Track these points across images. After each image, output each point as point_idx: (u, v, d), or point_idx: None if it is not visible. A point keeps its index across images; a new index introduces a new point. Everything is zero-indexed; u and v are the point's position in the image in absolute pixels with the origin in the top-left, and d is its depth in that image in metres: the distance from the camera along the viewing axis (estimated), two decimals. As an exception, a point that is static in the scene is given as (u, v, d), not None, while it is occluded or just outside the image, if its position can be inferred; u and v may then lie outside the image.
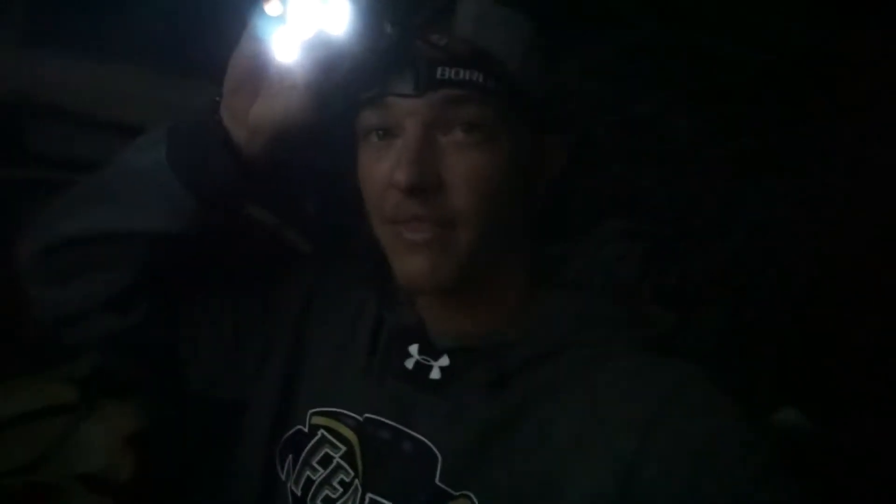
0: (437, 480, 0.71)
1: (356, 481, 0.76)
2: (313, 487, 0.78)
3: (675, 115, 1.10)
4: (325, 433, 0.80)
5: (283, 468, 0.82)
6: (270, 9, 0.67)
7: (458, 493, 0.70)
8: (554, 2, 0.90)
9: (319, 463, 0.79)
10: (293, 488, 0.80)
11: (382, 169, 0.73)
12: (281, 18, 0.67)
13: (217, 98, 0.74)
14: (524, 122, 0.74)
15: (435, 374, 0.77)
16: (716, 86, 1.10)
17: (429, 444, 0.73)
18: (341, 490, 0.77)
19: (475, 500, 0.70)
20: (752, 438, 0.66)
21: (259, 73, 0.71)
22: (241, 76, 0.72)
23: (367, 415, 0.77)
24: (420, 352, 0.78)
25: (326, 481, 0.78)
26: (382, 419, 0.77)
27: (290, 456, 0.81)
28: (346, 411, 0.79)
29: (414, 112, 0.71)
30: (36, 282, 0.81)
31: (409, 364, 0.78)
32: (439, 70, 0.70)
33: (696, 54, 1.07)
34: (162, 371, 0.87)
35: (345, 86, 0.71)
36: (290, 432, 0.82)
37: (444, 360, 0.77)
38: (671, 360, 0.73)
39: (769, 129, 1.08)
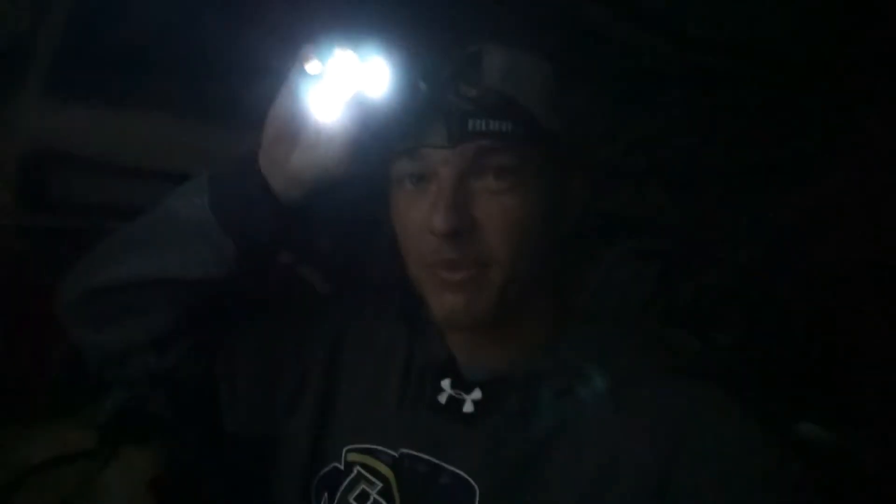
0: None
1: None
2: None
3: (685, 135, 1.11)
4: (362, 470, 0.80)
5: None
6: (310, 68, 0.70)
7: None
8: (562, 40, 0.92)
9: (357, 499, 0.79)
10: None
11: (418, 214, 0.75)
12: (318, 76, 0.70)
13: (255, 148, 0.77)
14: (550, 163, 0.76)
15: (468, 407, 0.78)
16: (724, 103, 1.11)
17: (466, 476, 0.74)
18: None
19: None
20: (779, 460, 0.68)
21: (298, 124, 0.74)
22: (280, 127, 0.75)
23: (402, 450, 0.78)
24: (452, 386, 0.79)
25: None
26: (418, 454, 0.77)
27: (326, 493, 0.82)
28: (381, 447, 0.80)
29: (447, 161, 0.73)
30: (78, 325, 0.83)
31: (443, 399, 0.79)
32: (470, 122, 0.73)
33: (702, 73, 1.09)
34: (195, 411, 0.89)
35: (380, 138, 0.74)
36: (326, 469, 0.83)
37: (477, 394, 0.78)
38: (697, 383, 0.74)
39: (779, 141, 1.09)
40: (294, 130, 0.75)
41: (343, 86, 0.70)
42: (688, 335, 0.81)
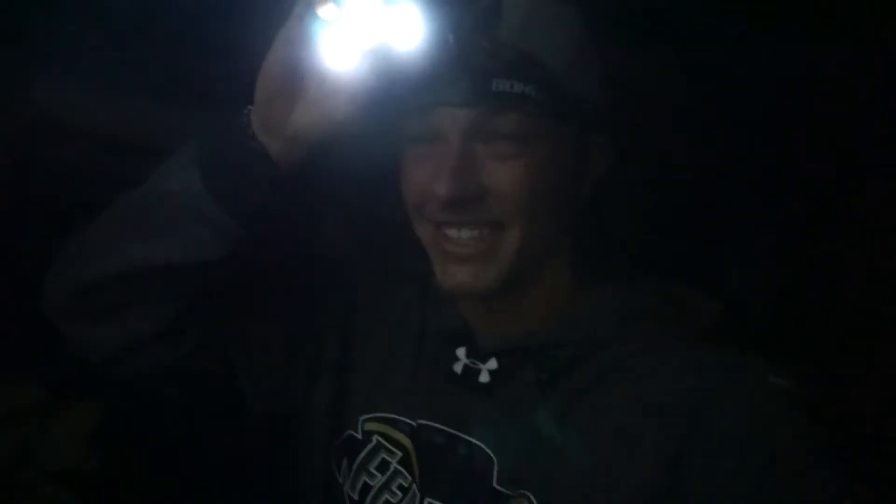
0: (494, 483, 0.72)
1: (413, 486, 0.77)
2: (372, 492, 0.78)
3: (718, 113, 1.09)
4: (381, 439, 0.80)
5: (339, 471, 0.83)
6: (325, 12, 0.61)
7: (516, 494, 0.71)
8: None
9: (377, 469, 0.79)
10: (349, 492, 0.80)
11: (424, 176, 0.72)
12: (329, 22, 0.62)
13: (246, 110, 0.70)
14: (570, 124, 0.73)
15: (484, 377, 0.76)
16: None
17: (484, 447, 0.73)
18: (400, 495, 0.77)
19: (533, 499, 0.70)
20: (802, 427, 0.66)
21: (299, 75, 0.66)
22: (278, 79, 0.67)
23: (420, 420, 0.78)
24: (468, 355, 0.77)
25: (386, 486, 0.78)
26: (436, 424, 0.76)
27: (345, 461, 0.82)
28: (400, 417, 0.79)
29: (459, 122, 0.69)
30: (73, 322, 0.76)
31: (458, 368, 0.77)
32: (494, 82, 0.68)
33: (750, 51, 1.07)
34: (213, 396, 0.85)
35: (397, 93, 0.68)
36: (343, 437, 0.82)
37: (493, 363, 0.76)
38: (719, 349, 0.72)
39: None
40: (294, 82, 0.67)
41: (361, 32, 0.62)
42: (710, 298, 0.76)
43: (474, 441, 0.73)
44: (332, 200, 0.98)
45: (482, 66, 0.68)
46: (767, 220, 1.08)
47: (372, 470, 0.79)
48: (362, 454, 0.79)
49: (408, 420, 0.78)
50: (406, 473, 0.77)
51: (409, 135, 0.73)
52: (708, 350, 0.71)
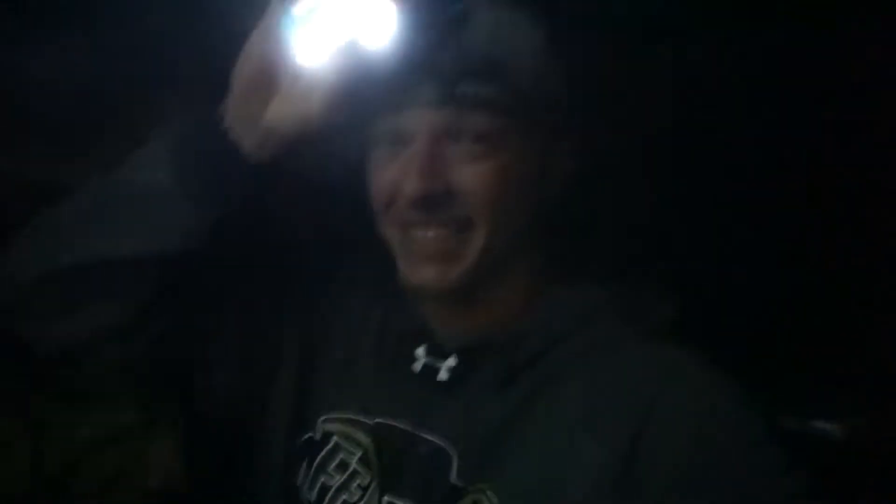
0: (452, 479, 0.72)
1: (373, 484, 0.76)
2: (330, 493, 0.78)
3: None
4: (339, 439, 0.80)
5: (298, 476, 0.82)
6: (298, 10, 0.64)
7: (473, 488, 0.71)
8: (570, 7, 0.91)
9: (336, 469, 0.79)
10: (307, 496, 0.80)
11: (392, 175, 0.73)
12: (302, 18, 0.64)
13: (221, 105, 0.71)
14: (536, 127, 0.75)
15: (443, 374, 0.77)
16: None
17: (442, 444, 0.74)
18: (359, 494, 0.77)
19: (489, 492, 0.71)
20: (748, 416, 0.68)
21: (275, 70, 0.68)
22: (254, 73, 0.68)
23: (378, 419, 0.78)
24: (427, 353, 0.78)
25: (344, 486, 0.78)
26: (395, 423, 0.77)
27: (304, 463, 0.81)
28: (358, 417, 0.79)
29: (427, 122, 0.71)
30: (31, 315, 0.75)
31: (418, 366, 0.78)
32: (460, 85, 0.70)
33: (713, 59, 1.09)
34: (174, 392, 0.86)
35: (366, 93, 0.69)
36: (302, 440, 0.82)
37: (452, 361, 0.77)
38: (671, 347, 0.74)
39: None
40: (269, 78, 0.68)
41: (333, 29, 0.64)
42: (666, 300, 0.79)
43: (433, 438, 0.74)
44: (298, 198, 1.00)
45: (449, 69, 0.70)
46: (727, 220, 1.10)
47: (330, 470, 0.78)
48: (321, 455, 0.79)
49: (366, 420, 0.78)
50: (365, 473, 0.77)
51: (378, 136, 0.75)
52: (660, 346, 0.73)
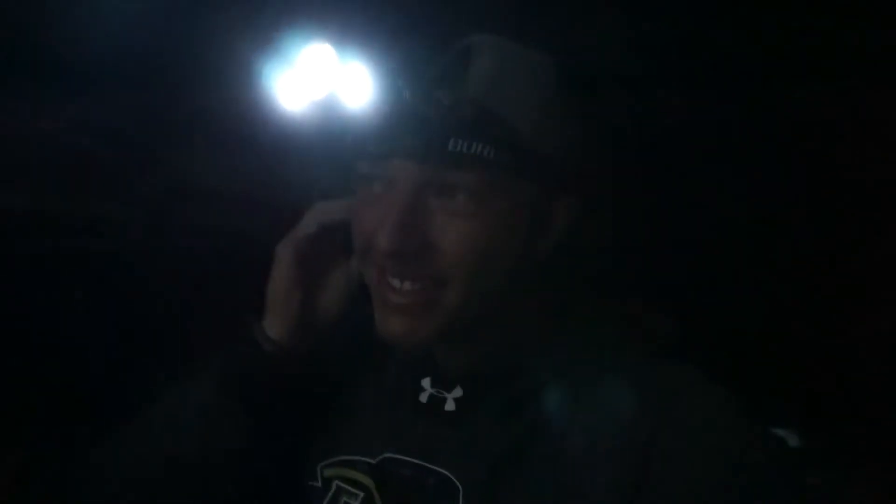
0: None
1: None
2: None
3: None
4: (340, 483, 0.78)
5: None
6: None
7: None
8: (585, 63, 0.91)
9: None
10: None
11: (370, 223, 0.70)
12: (292, 71, 0.68)
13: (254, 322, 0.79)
14: (531, 184, 0.71)
15: (450, 405, 0.76)
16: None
17: (450, 476, 0.73)
18: None
19: None
20: (755, 435, 0.68)
21: (303, 284, 0.79)
22: (285, 292, 0.79)
23: (386, 454, 0.77)
24: (433, 384, 0.78)
25: None
26: (403, 457, 0.76)
27: None
28: (357, 457, 0.78)
29: (411, 176, 0.68)
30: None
31: (424, 398, 0.78)
32: (451, 141, 0.66)
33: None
34: None
35: (353, 143, 0.71)
36: (304, 490, 0.81)
37: (458, 391, 0.77)
38: (674, 367, 0.73)
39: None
40: (303, 282, 0.78)
41: (318, 85, 0.67)
42: (667, 320, 0.79)
43: (440, 470, 0.73)
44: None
45: (440, 122, 0.66)
46: (724, 246, 1.13)
47: None
48: (325, 502, 0.78)
49: (366, 459, 0.77)
50: None
51: (364, 176, 0.72)
52: (664, 368, 0.73)
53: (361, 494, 0.76)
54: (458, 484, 0.71)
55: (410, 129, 0.67)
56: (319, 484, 0.79)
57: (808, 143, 1.13)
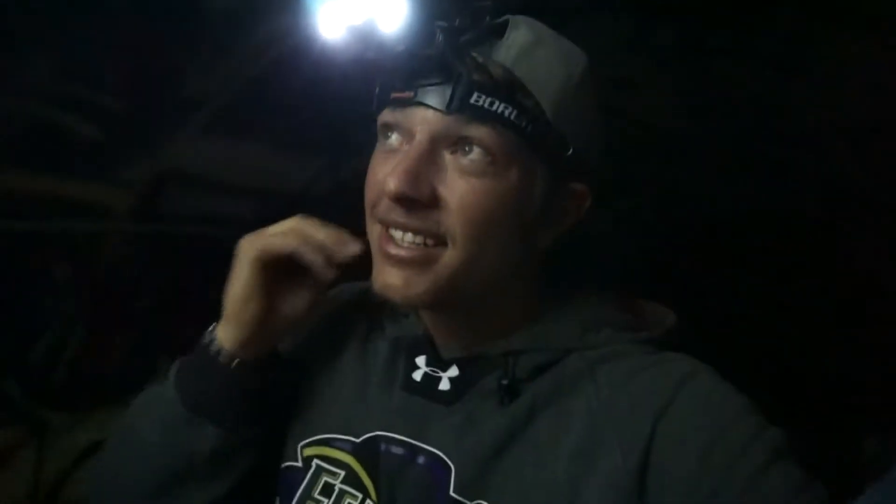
0: (451, 492, 0.71)
1: (368, 500, 0.74)
2: None
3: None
4: (320, 462, 0.78)
5: None
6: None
7: (472, 502, 0.70)
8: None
9: (322, 493, 0.77)
10: None
11: (383, 172, 0.71)
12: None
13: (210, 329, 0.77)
14: (545, 162, 0.72)
15: (444, 385, 0.76)
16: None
17: (442, 455, 0.73)
18: None
19: None
20: (758, 426, 0.67)
21: (260, 292, 0.75)
22: (242, 298, 0.75)
23: (374, 433, 0.76)
24: (428, 363, 0.78)
25: None
26: (395, 435, 0.75)
27: (289, 492, 0.79)
28: (338, 435, 0.78)
29: (430, 124, 0.69)
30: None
31: (418, 376, 0.77)
32: (475, 95, 0.68)
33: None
34: None
35: (378, 78, 0.70)
36: (283, 468, 0.81)
37: (453, 371, 0.76)
38: (675, 355, 0.73)
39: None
40: (258, 294, 0.74)
41: (356, 9, 0.66)
42: (665, 309, 0.79)
43: (433, 449, 0.73)
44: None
45: (469, 76, 0.67)
46: (726, 238, 1.13)
47: (316, 496, 0.76)
48: (304, 482, 0.77)
49: (349, 437, 0.77)
50: (354, 491, 0.75)
51: (383, 125, 0.73)
52: (664, 355, 0.73)
53: (342, 472, 0.76)
54: (450, 463, 0.71)
55: (438, 77, 0.68)
56: (300, 464, 0.79)
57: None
